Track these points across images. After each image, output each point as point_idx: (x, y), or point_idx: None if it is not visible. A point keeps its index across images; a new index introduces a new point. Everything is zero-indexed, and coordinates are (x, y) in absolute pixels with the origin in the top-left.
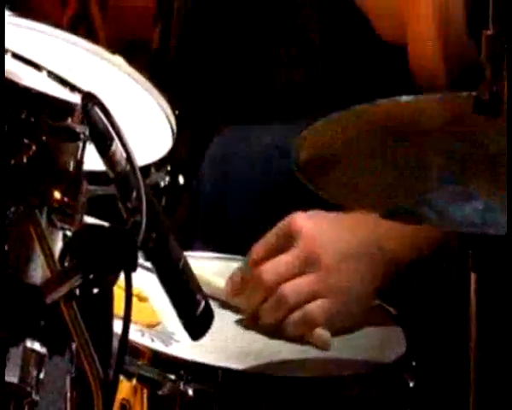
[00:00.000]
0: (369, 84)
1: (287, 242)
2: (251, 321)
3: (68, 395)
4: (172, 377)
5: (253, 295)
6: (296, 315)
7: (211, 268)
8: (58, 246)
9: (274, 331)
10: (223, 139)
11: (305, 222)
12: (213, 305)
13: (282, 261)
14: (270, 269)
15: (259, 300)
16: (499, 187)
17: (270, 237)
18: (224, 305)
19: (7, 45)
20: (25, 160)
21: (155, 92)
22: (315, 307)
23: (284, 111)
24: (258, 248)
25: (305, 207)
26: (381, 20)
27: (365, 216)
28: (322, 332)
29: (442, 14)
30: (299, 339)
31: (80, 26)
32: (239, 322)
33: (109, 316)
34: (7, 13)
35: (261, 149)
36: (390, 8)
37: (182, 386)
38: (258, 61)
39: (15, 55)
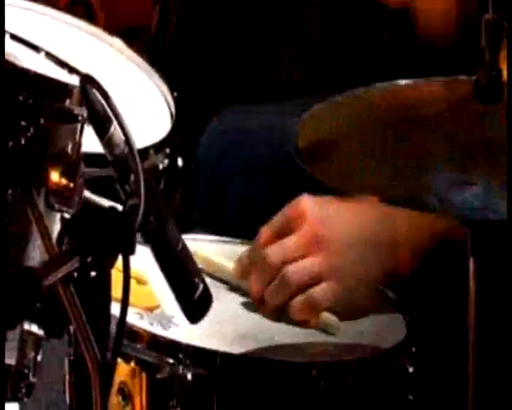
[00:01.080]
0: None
1: (293, 224)
2: (257, 304)
3: (67, 377)
4: (171, 361)
5: (258, 276)
6: (299, 299)
7: (217, 250)
8: (56, 228)
9: (279, 314)
10: (222, 118)
11: (313, 205)
12: (221, 287)
13: (288, 243)
14: (276, 251)
15: (264, 282)
16: (499, 172)
17: (277, 219)
18: (233, 287)
19: (7, 26)
20: (23, 142)
21: (154, 75)
22: (318, 290)
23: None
24: (265, 231)
25: (307, 188)
26: None
27: (378, 204)
28: (329, 316)
29: None
30: (305, 323)
31: (78, 7)
32: (245, 305)
33: (107, 299)
34: None
35: (261, 130)
36: None
37: (180, 370)
38: (257, 61)
39: (13, 36)
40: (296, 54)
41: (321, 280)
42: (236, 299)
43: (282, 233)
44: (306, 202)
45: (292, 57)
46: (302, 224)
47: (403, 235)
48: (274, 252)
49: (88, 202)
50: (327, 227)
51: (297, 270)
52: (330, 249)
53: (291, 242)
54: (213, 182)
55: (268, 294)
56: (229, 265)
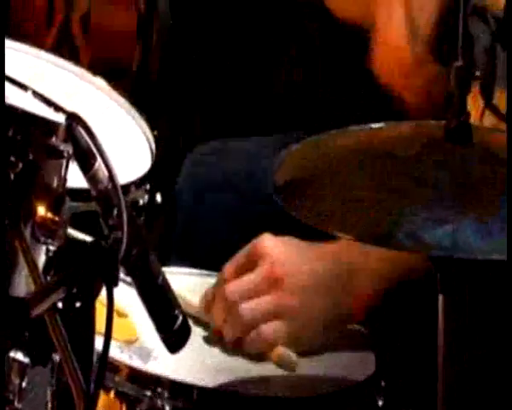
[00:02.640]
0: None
1: (253, 262)
2: (215, 337)
3: (49, 405)
4: (150, 393)
5: (216, 312)
6: (251, 334)
7: (187, 284)
8: (41, 260)
9: (237, 349)
10: (197, 155)
11: (273, 244)
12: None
13: (245, 281)
14: (233, 288)
15: (221, 317)
16: (470, 212)
17: (239, 257)
18: (198, 321)
19: None
20: (11, 176)
21: (135, 114)
22: (268, 327)
23: (282, 114)
24: (227, 267)
25: (278, 226)
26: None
27: (336, 248)
28: (283, 352)
29: (412, 25)
30: (262, 358)
31: (64, 46)
32: (207, 338)
33: (91, 329)
34: None
35: (235, 166)
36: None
37: (159, 403)
38: (257, 62)
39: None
40: (296, 54)
41: (273, 318)
42: (199, 332)
43: (243, 270)
44: (268, 242)
45: (292, 57)
46: (261, 262)
47: (361, 282)
48: (231, 289)
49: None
50: (285, 267)
51: (250, 307)
52: (285, 289)
53: (248, 279)
54: (188, 219)
55: (224, 329)
56: (195, 299)
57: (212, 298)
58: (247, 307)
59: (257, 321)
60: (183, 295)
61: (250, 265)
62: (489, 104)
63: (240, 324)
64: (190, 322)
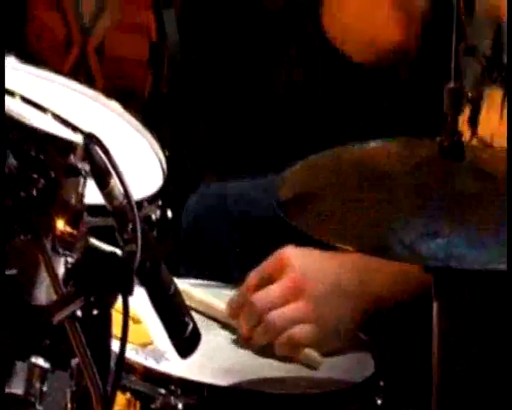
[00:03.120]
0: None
1: (278, 272)
2: (244, 341)
3: (68, 406)
4: (163, 391)
5: (246, 319)
6: (282, 338)
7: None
8: (60, 271)
9: (265, 351)
10: (199, 196)
11: (296, 256)
12: (213, 325)
13: (272, 291)
14: (262, 297)
15: (252, 324)
16: (463, 225)
17: (263, 268)
18: (224, 325)
19: (17, 90)
20: (34, 192)
21: (147, 135)
22: (298, 330)
23: (282, 114)
24: (252, 276)
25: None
26: (354, 41)
27: (355, 257)
28: (310, 352)
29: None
30: (289, 359)
31: (80, 72)
32: (233, 341)
33: (108, 335)
34: (15, 60)
35: (233, 203)
36: (358, 31)
37: (172, 400)
38: (257, 63)
39: (24, 99)
40: (296, 54)
41: (300, 323)
42: (225, 335)
43: (267, 280)
44: (290, 253)
45: (292, 57)
46: (285, 273)
47: (376, 288)
48: (260, 299)
49: (91, 246)
50: (307, 277)
51: (281, 315)
52: (309, 297)
53: (275, 289)
54: (194, 238)
55: (256, 335)
56: (220, 305)
57: (238, 305)
58: (278, 315)
59: (285, 326)
60: (208, 301)
61: (275, 275)
62: (475, 134)
63: (270, 330)
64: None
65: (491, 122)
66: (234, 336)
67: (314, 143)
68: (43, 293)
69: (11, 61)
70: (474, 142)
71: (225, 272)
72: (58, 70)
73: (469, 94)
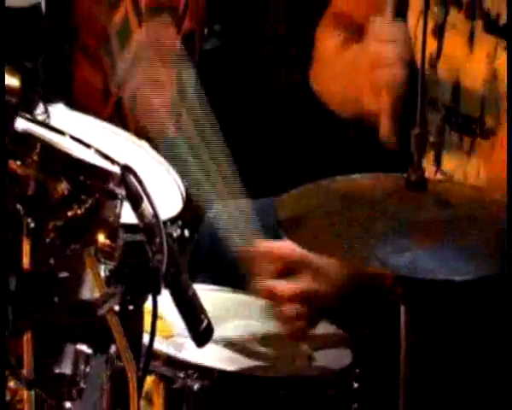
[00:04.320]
0: None
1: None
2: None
3: (105, 387)
4: (182, 375)
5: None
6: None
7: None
8: (102, 274)
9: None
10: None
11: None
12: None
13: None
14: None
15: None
16: (427, 242)
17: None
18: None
19: (67, 130)
20: (81, 211)
21: (170, 168)
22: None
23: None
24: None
25: None
26: (338, 101)
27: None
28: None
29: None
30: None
31: (116, 117)
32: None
33: (140, 327)
34: (64, 107)
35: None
36: (346, 92)
37: (189, 382)
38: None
39: (73, 137)
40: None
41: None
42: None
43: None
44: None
45: (292, 57)
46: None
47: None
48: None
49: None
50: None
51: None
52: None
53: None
54: (209, 251)
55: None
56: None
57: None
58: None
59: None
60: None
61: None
62: (439, 169)
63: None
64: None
65: (451, 160)
66: (236, 334)
67: (309, 173)
68: (89, 291)
69: (61, 108)
70: (438, 176)
71: (237, 280)
72: (98, 116)
73: (431, 138)
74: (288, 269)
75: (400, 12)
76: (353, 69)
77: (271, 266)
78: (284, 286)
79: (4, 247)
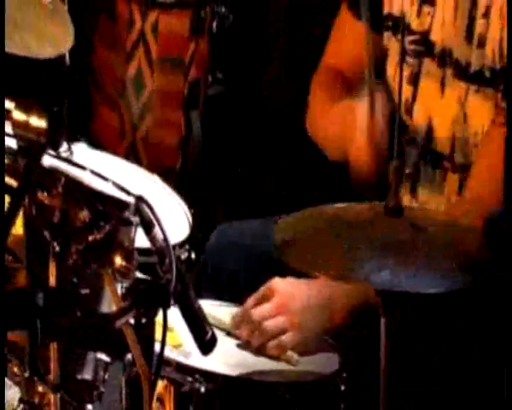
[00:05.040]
0: None
1: (269, 295)
2: (246, 344)
3: (123, 390)
4: (190, 379)
5: (246, 328)
6: (273, 342)
7: (220, 311)
8: (118, 292)
9: (259, 352)
10: (217, 235)
11: (281, 283)
12: (221, 333)
13: (265, 307)
14: (258, 311)
15: (250, 331)
16: (403, 261)
17: (258, 292)
18: (229, 334)
19: (87, 165)
20: (100, 236)
21: (178, 198)
22: (285, 337)
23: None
24: (250, 300)
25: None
26: (330, 147)
27: (323, 281)
28: (291, 354)
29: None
30: (277, 358)
31: (131, 155)
32: (238, 345)
33: (152, 337)
34: (85, 146)
35: (244, 241)
36: (336, 140)
37: (196, 386)
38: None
39: (93, 172)
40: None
41: (287, 331)
42: (233, 341)
43: (261, 300)
44: (277, 281)
45: (289, 104)
46: (275, 295)
47: (339, 304)
48: (257, 313)
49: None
50: (291, 297)
51: (272, 324)
52: (291, 312)
53: (267, 306)
54: (213, 270)
55: (253, 339)
56: (226, 319)
57: (239, 319)
58: (269, 324)
59: (276, 333)
60: (218, 317)
61: (266, 297)
62: (415, 198)
63: (264, 335)
64: (222, 334)
65: (426, 191)
66: (237, 342)
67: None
68: (107, 306)
69: (83, 147)
70: (414, 203)
71: (239, 295)
72: (115, 153)
73: (407, 170)
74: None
75: (379, 68)
76: (343, 123)
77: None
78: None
79: (33, 267)
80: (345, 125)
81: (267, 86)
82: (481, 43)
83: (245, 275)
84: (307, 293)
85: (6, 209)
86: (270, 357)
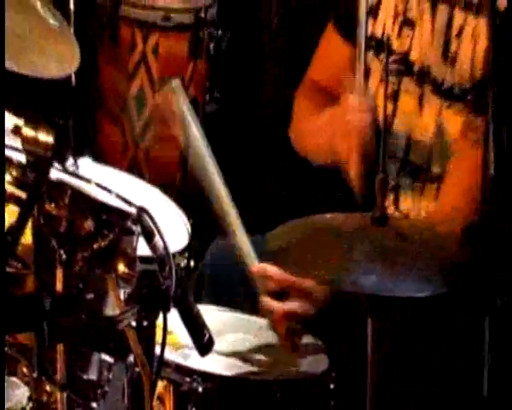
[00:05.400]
0: None
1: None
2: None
3: (126, 389)
4: (188, 379)
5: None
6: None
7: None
8: (121, 296)
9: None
10: (213, 250)
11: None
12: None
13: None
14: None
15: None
16: (388, 267)
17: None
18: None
19: (92, 178)
20: (104, 244)
21: (178, 209)
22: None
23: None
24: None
25: None
26: (315, 153)
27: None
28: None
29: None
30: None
31: (133, 169)
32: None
33: (153, 339)
34: (90, 160)
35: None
36: (321, 146)
37: (195, 385)
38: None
39: (97, 185)
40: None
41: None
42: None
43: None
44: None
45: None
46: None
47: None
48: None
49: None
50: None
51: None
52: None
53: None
54: (210, 279)
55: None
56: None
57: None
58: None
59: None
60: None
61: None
62: (397, 208)
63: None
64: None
65: (407, 201)
66: (233, 345)
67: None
68: (111, 310)
69: (87, 161)
70: (396, 214)
71: (236, 302)
72: (118, 167)
73: (391, 183)
74: (281, 290)
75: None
76: (328, 128)
77: (268, 284)
78: (280, 306)
79: (41, 274)
80: (331, 129)
81: (259, 104)
82: (454, 62)
83: (240, 284)
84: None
85: (16, 219)
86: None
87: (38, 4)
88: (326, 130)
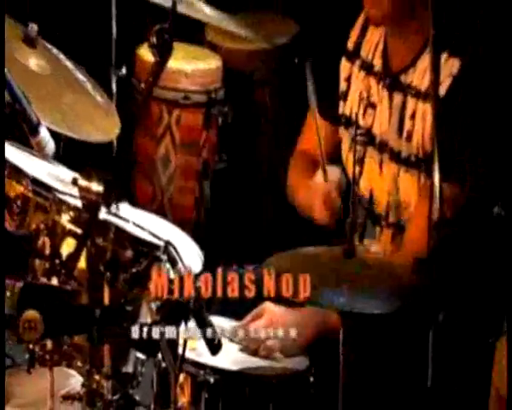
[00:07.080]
0: None
1: (261, 314)
2: (244, 348)
3: (155, 381)
4: (202, 372)
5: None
6: (264, 345)
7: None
8: (152, 308)
9: (254, 354)
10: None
11: (271, 306)
12: (225, 339)
13: (258, 322)
14: (253, 326)
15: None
16: (358, 289)
17: (254, 312)
18: (231, 340)
19: (130, 218)
20: (140, 269)
21: (193, 243)
22: (272, 343)
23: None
24: (248, 316)
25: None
26: (301, 209)
27: (305, 309)
28: (277, 354)
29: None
30: (266, 357)
31: (160, 212)
32: (237, 348)
33: (176, 342)
34: (128, 205)
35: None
36: (305, 206)
37: (207, 377)
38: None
39: (134, 223)
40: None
41: (274, 338)
42: (232, 345)
43: (256, 317)
44: (268, 305)
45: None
46: (265, 314)
47: (309, 328)
48: (253, 326)
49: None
50: (277, 316)
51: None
52: (277, 326)
53: (260, 322)
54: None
55: (250, 344)
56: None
57: (239, 330)
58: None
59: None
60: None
61: (259, 315)
62: (361, 242)
63: (257, 342)
64: (225, 340)
65: (368, 240)
66: (237, 346)
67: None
68: (145, 319)
69: (126, 206)
70: (361, 247)
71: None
72: (148, 211)
73: (359, 221)
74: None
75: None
76: (310, 194)
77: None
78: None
79: (92, 291)
80: (309, 196)
81: (260, 164)
82: (409, 137)
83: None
84: (289, 315)
85: (73, 249)
86: (262, 357)
87: (89, 86)
88: (307, 196)
